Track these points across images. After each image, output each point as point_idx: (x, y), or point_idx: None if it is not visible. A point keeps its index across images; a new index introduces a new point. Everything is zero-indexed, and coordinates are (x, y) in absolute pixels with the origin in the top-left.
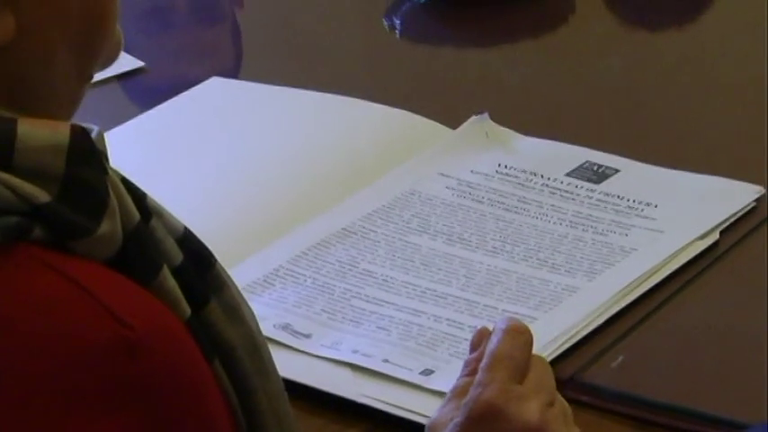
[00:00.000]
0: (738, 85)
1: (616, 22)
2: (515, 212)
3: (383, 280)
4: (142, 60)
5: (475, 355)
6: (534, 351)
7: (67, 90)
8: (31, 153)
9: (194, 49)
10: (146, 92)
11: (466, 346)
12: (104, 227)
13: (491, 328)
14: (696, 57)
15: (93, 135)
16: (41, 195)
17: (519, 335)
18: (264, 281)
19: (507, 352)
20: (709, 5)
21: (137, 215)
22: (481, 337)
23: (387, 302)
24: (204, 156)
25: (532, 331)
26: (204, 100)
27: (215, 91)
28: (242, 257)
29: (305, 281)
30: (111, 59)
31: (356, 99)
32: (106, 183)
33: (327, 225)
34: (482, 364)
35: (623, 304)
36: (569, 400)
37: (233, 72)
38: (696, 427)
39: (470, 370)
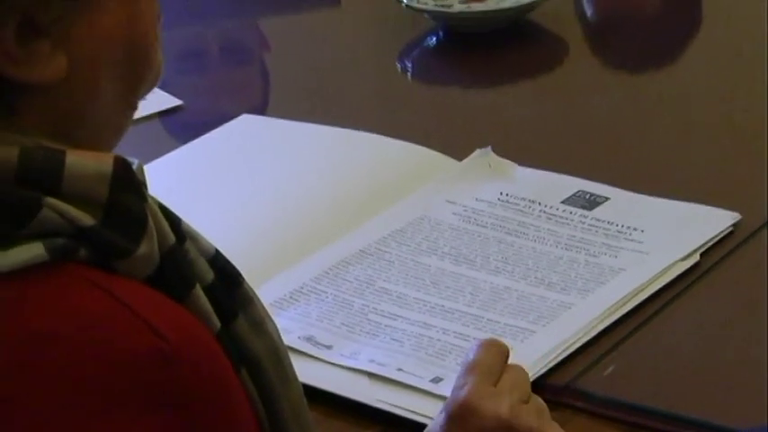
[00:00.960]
0: (714, 120)
1: (604, 65)
2: (516, 236)
3: (397, 296)
4: (180, 99)
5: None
6: (532, 361)
7: (114, 119)
8: (78, 181)
9: (226, 89)
10: (183, 127)
11: None
12: (143, 248)
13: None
14: (674, 95)
15: (134, 167)
16: (86, 219)
17: (492, 346)
18: (290, 297)
19: (480, 359)
20: (683, 50)
21: (172, 238)
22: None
23: (400, 317)
24: (235, 185)
25: (531, 346)
26: (235, 135)
27: (245, 127)
28: (270, 276)
29: (326, 297)
30: (153, 84)
31: (372, 134)
32: (145, 208)
33: (346, 247)
34: (459, 372)
35: (613, 319)
36: (565, 406)
37: (261, 109)
38: (679, 430)
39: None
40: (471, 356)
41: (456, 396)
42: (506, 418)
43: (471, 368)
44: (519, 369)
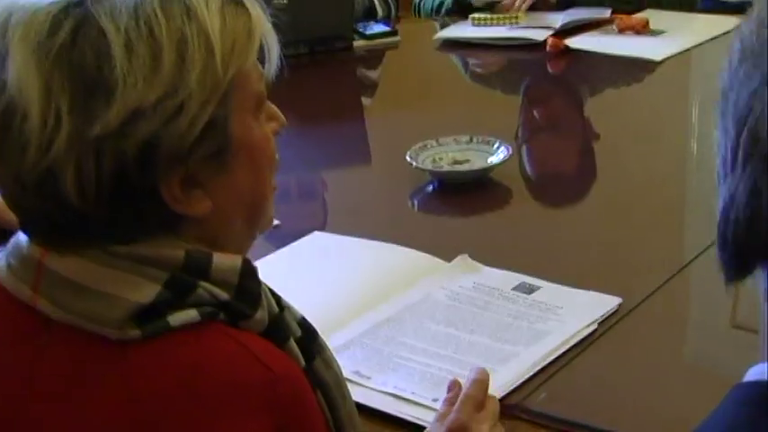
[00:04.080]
0: (606, 239)
1: (537, 204)
2: (483, 309)
3: (410, 347)
4: (277, 220)
5: (450, 395)
6: (493, 391)
7: (240, 243)
8: (220, 272)
9: (302, 215)
10: (278, 238)
11: None
12: (258, 314)
13: (461, 380)
14: (582, 222)
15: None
16: (224, 295)
17: (482, 383)
18: (344, 346)
19: (474, 393)
20: (585, 194)
21: (276, 308)
22: (453, 385)
23: (412, 359)
24: (310, 275)
25: (493, 379)
26: (309, 245)
27: (315, 239)
28: (332, 333)
29: (367, 346)
30: (266, 227)
31: (391, 244)
32: (260, 290)
33: (378, 316)
34: (460, 398)
35: (545, 363)
36: (515, 418)
37: (323, 227)
38: None
39: (448, 404)
40: (467, 389)
41: (456, 417)
42: None
43: (468, 399)
44: (494, 401)
